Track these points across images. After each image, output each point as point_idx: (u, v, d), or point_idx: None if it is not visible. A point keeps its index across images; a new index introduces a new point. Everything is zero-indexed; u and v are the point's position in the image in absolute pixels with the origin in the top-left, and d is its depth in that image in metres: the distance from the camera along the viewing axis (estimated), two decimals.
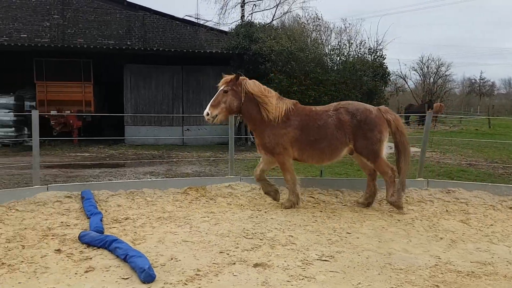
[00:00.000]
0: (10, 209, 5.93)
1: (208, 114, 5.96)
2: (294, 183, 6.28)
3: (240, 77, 6.15)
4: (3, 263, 4.04)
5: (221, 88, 6.09)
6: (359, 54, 17.19)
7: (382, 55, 17.37)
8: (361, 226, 5.57)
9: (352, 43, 17.35)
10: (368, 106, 6.32)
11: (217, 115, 6.00)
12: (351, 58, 16.77)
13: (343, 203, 6.80)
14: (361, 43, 17.40)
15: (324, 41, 17.88)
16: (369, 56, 17.35)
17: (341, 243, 4.84)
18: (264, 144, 6.19)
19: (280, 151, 6.13)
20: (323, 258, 4.33)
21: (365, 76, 16.00)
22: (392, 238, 5.09)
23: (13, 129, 15.84)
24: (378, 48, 17.53)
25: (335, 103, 6.44)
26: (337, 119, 6.10)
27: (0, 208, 5.90)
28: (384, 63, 17.30)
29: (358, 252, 4.57)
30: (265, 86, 6.31)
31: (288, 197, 6.38)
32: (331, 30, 18.06)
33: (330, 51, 17.16)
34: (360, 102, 6.57)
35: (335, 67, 16.66)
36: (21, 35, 19.53)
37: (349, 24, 19.03)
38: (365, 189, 6.64)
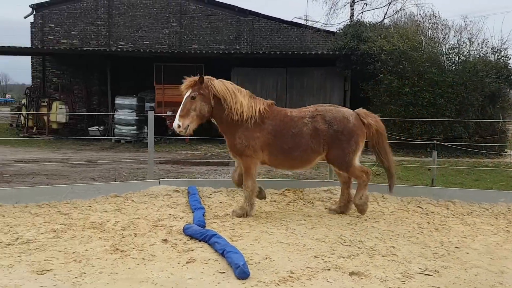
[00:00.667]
0: (127, 200, 6.56)
1: (179, 126, 5.54)
2: (253, 191, 5.82)
3: (205, 78, 5.73)
4: (117, 249, 4.48)
5: (187, 94, 5.66)
6: (480, 54, 15.63)
7: (506, 55, 15.60)
8: (472, 241, 5.07)
9: (473, 42, 15.85)
10: (346, 113, 5.95)
11: (188, 125, 5.59)
12: (471, 58, 15.33)
13: (455, 216, 6.24)
14: (483, 41, 15.81)
15: (441, 39, 16.61)
16: (492, 56, 15.68)
17: (447, 258, 4.45)
18: (235, 145, 5.77)
19: (250, 153, 5.73)
20: (426, 273, 4.03)
21: (487, 77, 14.51)
22: (507, 256, 4.56)
23: (135, 127, 17.52)
24: (502, 47, 15.75)
25: (312, 108, 6.04)
26: (312, 128, 5.76)
27: (119, 198, 6.57)
28: (509, 63, 15.52)
29: (466, 268, 4.16)
30: (234, 85, 5.90)
31: (242, 205, 5.88)
32: (449, 28, 16.70)
33: (448, 50, 15.89)
34: (338, 108, 6.10)
35: (453, 67, 15.37)
36: (144, 42, 21.55)
37: (470, 21, 17.33)
38: (340, 197, 6.31)
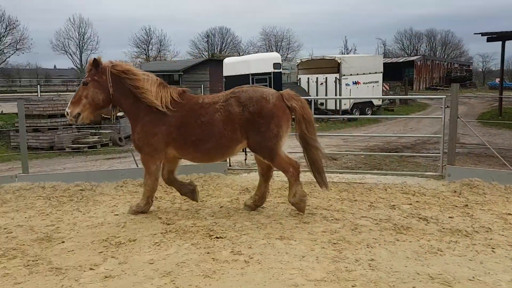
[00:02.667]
0: None
1: (67, 114, 5.21)
2: (152, 190, 5.41)
3: (104, 64, 5.25)
4: None
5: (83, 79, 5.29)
6: None
7: None
8: None
9: None
10: (266, 92, 5.17)
11: (79, 114, 5.18)
12: None
13: None
14: None
15: None
16: None
17: None
18: (134, 141, 5.34)
19: (149, 151, 5.23)
20: None
21: None
22: None
23: None
24: None
25: (229, 91, 5.29)
26: (226, 113, 5.07)
27: None
28: None
29: None
30: (143, 72, 5.35)
31: (138, 202, 5.47)
32: None
33: None
34: (258, 88, 5.27)
35: None
36: None
37: None
38: (256, 190, 5.52)
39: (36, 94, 26.20)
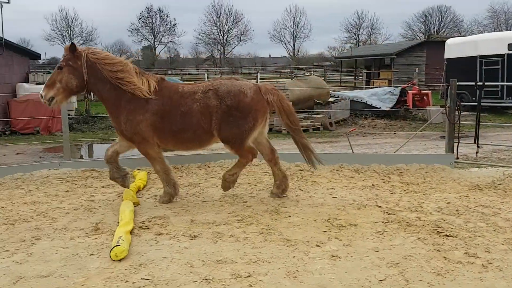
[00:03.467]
0: None
1: (41, 97, 5.07)
2: (166, 172, 5.35)
3: (80, 49, 5.07)
4: None
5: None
6: None
7: None
8: None
9: None
10: (244, 86, 5.16)
11: (53, 98, 5.05)
12: None
13: None
14: None
15: None
16: None
17: None
18: (122, 131, 5.20)
19: (139, 141, 5.18)
20: None
21: None
22: None
23: None
24: None
25: (208, 82, 5.35)
26: (204, 105, 5.07)
27: None
28: None
29: None
30: (120, 59, 5.17)
31: (164, 189, 5.39)
32: None
33: None
34: (236, 82, 5.29)
35: None
36: None
37: None
38: (273, 177, 5.61)
39: (255, 81, 29.02)
